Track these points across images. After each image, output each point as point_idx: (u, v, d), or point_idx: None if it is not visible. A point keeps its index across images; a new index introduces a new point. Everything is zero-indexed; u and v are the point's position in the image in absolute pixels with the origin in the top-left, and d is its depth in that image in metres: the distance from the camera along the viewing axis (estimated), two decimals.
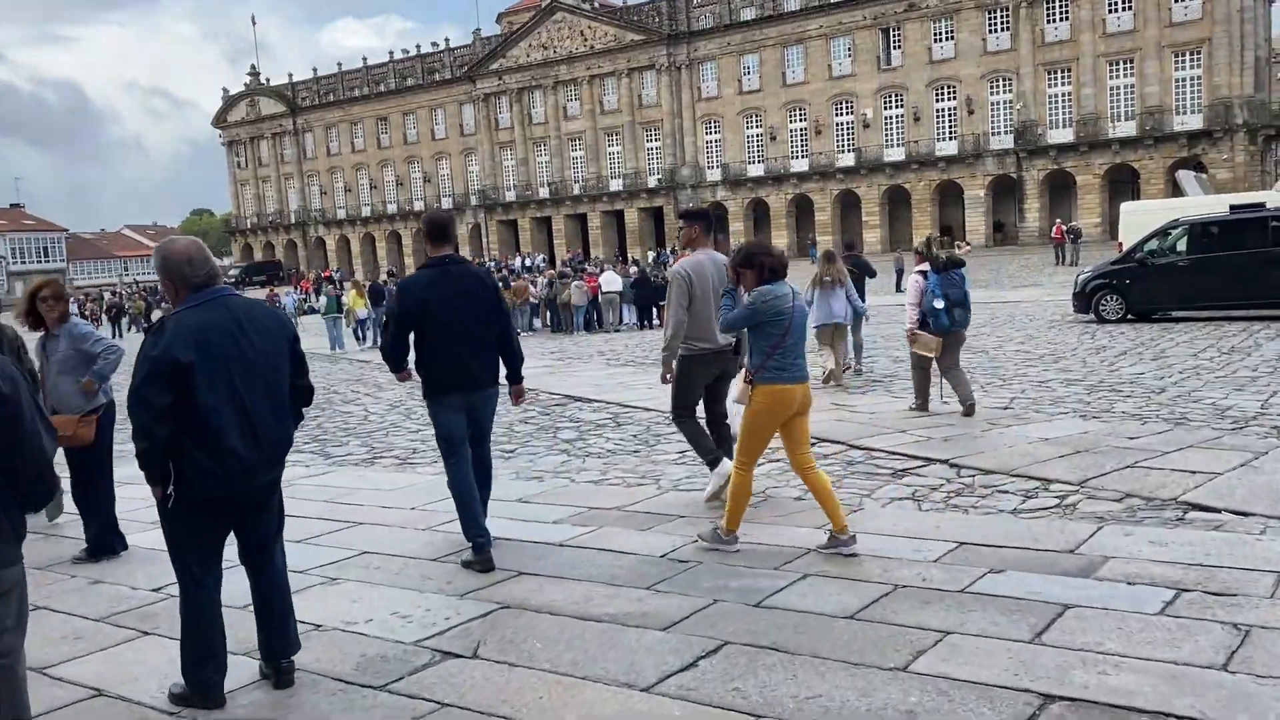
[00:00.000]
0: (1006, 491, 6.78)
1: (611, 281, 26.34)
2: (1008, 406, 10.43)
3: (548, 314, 28.04)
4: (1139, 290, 18.87)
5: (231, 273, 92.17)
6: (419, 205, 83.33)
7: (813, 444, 8.60)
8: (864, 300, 13.84)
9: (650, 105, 70.77)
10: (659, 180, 70.71)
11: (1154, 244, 19.23)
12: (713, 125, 68.75)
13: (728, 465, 6.31)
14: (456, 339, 5.61)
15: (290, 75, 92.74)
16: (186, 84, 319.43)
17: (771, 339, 5.40)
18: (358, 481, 8.66)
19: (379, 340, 25.97)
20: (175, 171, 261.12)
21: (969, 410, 9.47)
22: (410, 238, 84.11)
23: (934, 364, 9.83)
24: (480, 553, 5.62)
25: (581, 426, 10.93)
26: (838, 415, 10.15)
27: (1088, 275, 20.23)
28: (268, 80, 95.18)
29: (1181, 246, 18.92)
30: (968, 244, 39.90)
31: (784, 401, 5.47)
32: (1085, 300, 19.68)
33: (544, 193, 75.92)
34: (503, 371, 6.00)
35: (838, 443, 8.74)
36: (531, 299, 28.04)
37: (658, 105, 70.18)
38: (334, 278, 76.13)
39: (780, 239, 64.08)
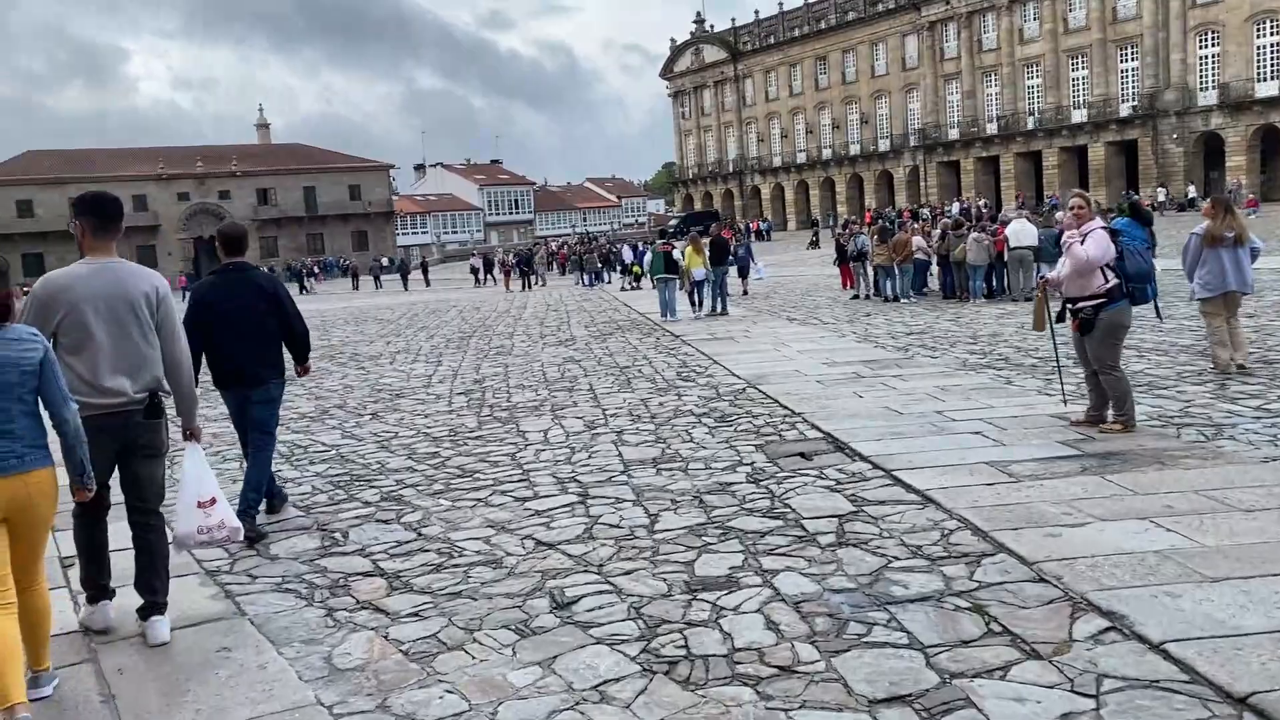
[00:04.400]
0: None
1: (1023, 234, 19.46)
2: None
3: (942, 274, 21.87)
4: None
5: (672, 222, 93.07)
6: (854, 149, 77.85)
7: None
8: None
9: (1126, 19, 59.20)
10: (1133, 108, 59.14)
11: None
12: (1210, 37, 55.87)
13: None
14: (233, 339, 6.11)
15: (733, 20, 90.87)
16: (660, 40, 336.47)
17: None
18: None
19: (718, 306, 21.68)
20: (649, 125, 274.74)
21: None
22: (844, 184, 78.97)
23: None
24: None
25: (759, 539, 5.45)
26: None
27: None
28: (712, 27, 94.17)
29: None
30: None
31: None
32: None
33: (991, 129, 67.00)
34: None
35: None
36: (920, 255, 21.93)
37: (1136, 18, 58.49)
38: (762, 229, 73.54)
39: None
